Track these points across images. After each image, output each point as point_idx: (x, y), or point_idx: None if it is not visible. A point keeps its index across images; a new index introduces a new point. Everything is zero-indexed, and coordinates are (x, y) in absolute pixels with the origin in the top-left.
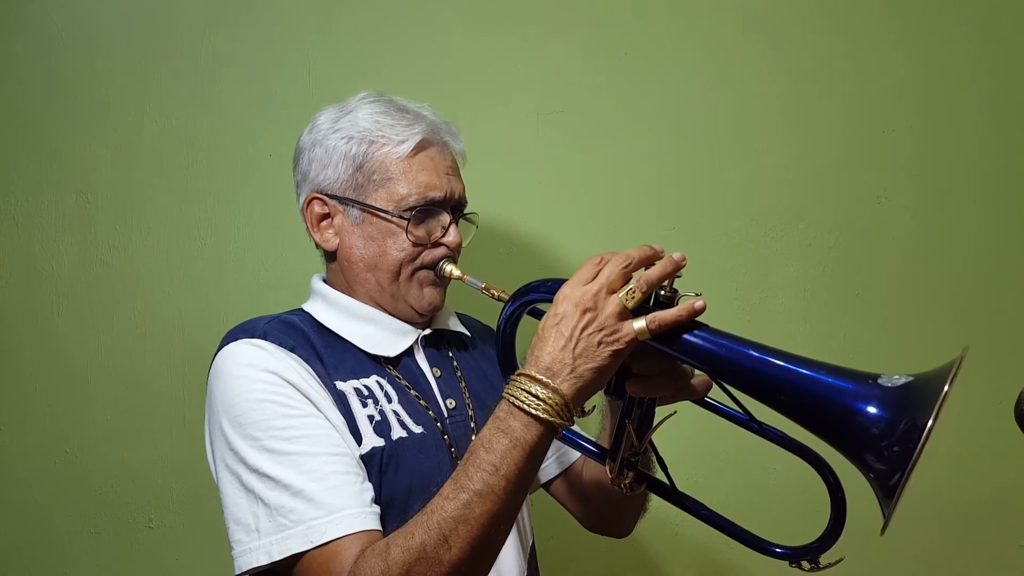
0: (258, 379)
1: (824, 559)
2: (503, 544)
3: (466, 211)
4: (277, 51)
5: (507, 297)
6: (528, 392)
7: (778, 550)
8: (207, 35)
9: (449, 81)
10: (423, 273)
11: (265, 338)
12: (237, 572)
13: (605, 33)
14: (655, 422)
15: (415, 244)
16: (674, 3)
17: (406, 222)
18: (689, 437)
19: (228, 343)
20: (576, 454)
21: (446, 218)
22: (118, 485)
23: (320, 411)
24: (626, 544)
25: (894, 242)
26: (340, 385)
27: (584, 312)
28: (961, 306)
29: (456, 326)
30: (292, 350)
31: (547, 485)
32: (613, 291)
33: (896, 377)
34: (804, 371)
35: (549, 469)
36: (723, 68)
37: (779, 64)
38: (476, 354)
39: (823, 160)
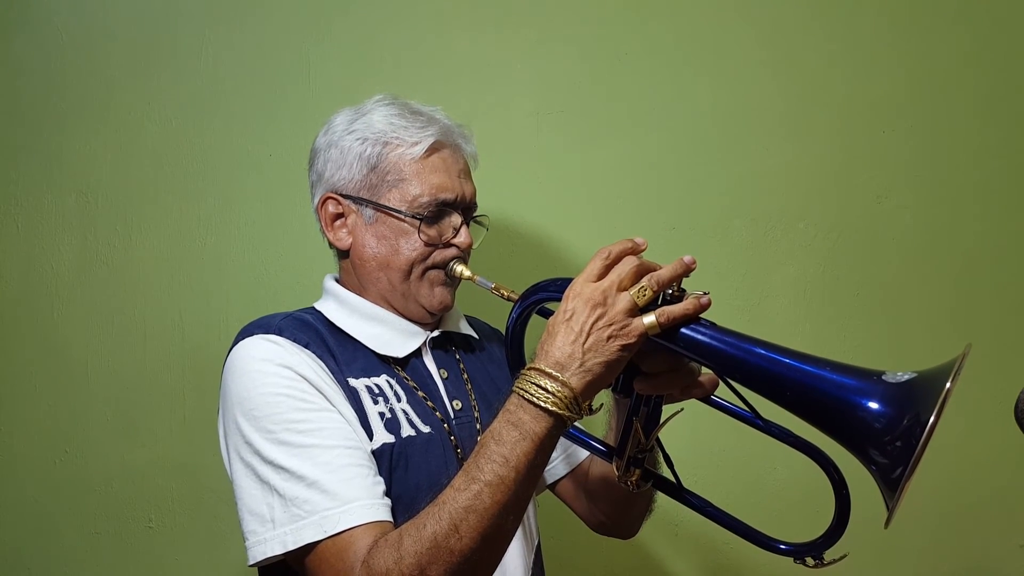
0: (273, 373)
1: (828, 555)
2: (512, 535)
3: (476, 213)
4: (277, 51)
5: (516, 297)
6: (537, 385)
7: (782, 546)
8: (207, 35)
9: (449, 81)
10: (434, 273)
11: (280, 334)
12: (251, 563)
13: (605, 33)
14: (662, 420)
15: (427, 244)
16: (674, 3)
17: (419, 222)
18: (691, 435)
19: (243, 338)
20: (584, 454)
21: (457, 219)
22: (118, 485)
23: (333, 406)
24: (627, 543)
25: (894, 242)
26: (352, 382)
27: (594, 307)
28: (961, 306)
29: (465, 328)
30: (306, 346)
31: (554, 485)
32: (623, 289)
33: (900, 374)
34: (809, 368)
35: (556, 469)
36: (723, 68)
37: (779, 64)
38: (483, 356)
39: (823, 160)
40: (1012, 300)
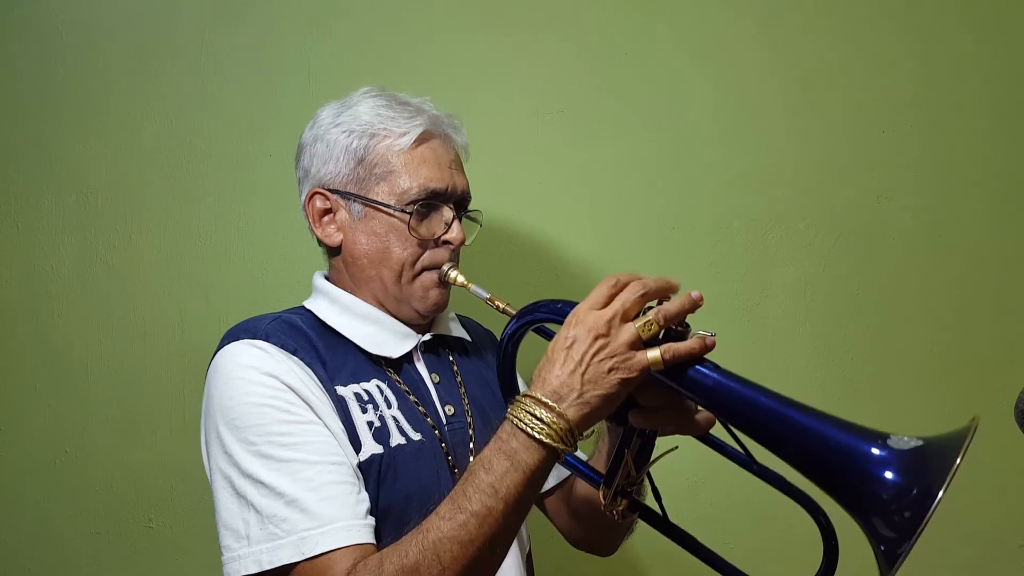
0: (258, 382)
1: None
2: (498, 567)
3: (470, 208)
4: (277, 51)
5: (512, 311)
6: (532, 415)
7: None
8: (207, 35)
9: (449, 81)
10: (427, 276)
11: (267, 339)
12: None
13: (605, 33)
14: (654, 454)
15: (418, 243)
16: (674, 3)
17: (408, 216)
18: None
19: (229, 342)
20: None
21: (449, 213)
22: (118, 485)
23: (319, 418)
24: (623, 551)
25: (894, 242)
26: (340, 390)
27: (596, 338)
28: (961, 306)
29: (457, 331)
30: (294, 352)
31: (539, 499)
32: (628, 319)
33: (906, 439)
34: (813, 425)
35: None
36: (723, 68)
37: (779, 64)
38: (477, 360)
39: (823, 160)
40: (1012, 300)
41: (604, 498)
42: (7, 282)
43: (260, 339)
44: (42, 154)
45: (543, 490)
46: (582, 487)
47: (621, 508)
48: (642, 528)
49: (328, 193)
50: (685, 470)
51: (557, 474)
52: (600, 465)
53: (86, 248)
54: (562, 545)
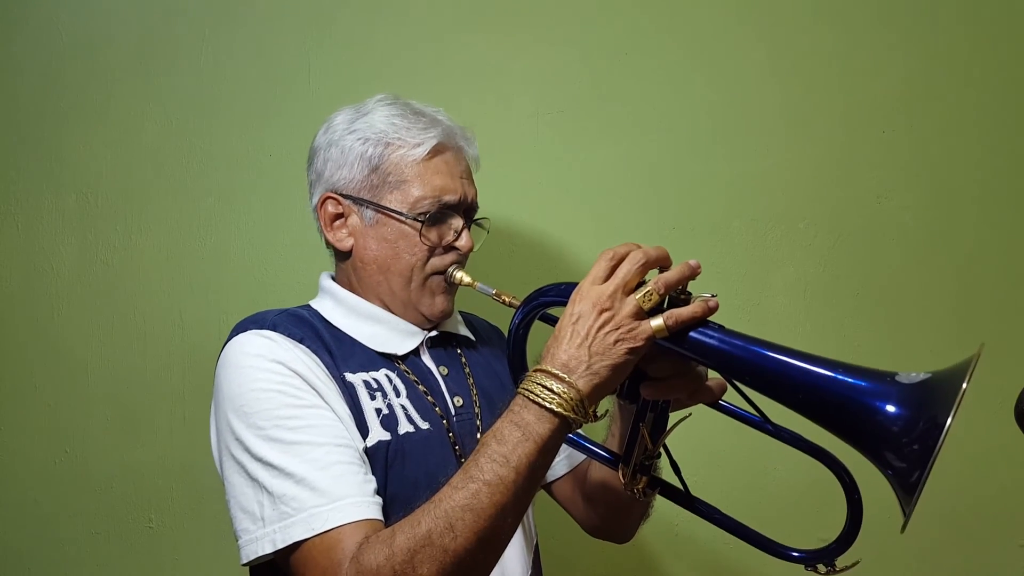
0: (265, 369)
1: (840, 562)
2: (509, 538)
3: (477, 216)
4: (277, 51)
5: (518, 303)
6: (543, 386)
7: (795, 554)
8: (207, 35)
9: (449, 81)
10: (434, 280)
11: (274, 329)
12: (243, 562)
13: (605, 33)
14: (669, 425)
15: (428, 249)
16: (674, 3)
17: (420, 224)
18: (689, 435)
19: (237, 333)
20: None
21: (459, 222)
22: (118, 485)
23: (326, 403)
24: (627, 543)
25: (894, 242)
26: (349, 377)
27: (601, 312)
28: (961, 306)
29: (462, 330)
30: (301, 341)
31: (551, 486)
32: (629, 291)
33: (913, 374)
34: (822, 370)
35: (557, 467)
36: (723, 68)
37: (779, 64)
38: (486, 352)
39: (823, 160)
40: (1012, 300)
41: (623, 477)
42: (7, 282)
43: (268, 329)
44: (42, 154)
45: (556, 476)
46: (596, 472)
47: (641, 486)
48: (650, 519)
49: (341, 198)
50: (684, 471)
51: (568, 461)
52: (615, 447)
53: (86, 248)
54: (569, 537)
